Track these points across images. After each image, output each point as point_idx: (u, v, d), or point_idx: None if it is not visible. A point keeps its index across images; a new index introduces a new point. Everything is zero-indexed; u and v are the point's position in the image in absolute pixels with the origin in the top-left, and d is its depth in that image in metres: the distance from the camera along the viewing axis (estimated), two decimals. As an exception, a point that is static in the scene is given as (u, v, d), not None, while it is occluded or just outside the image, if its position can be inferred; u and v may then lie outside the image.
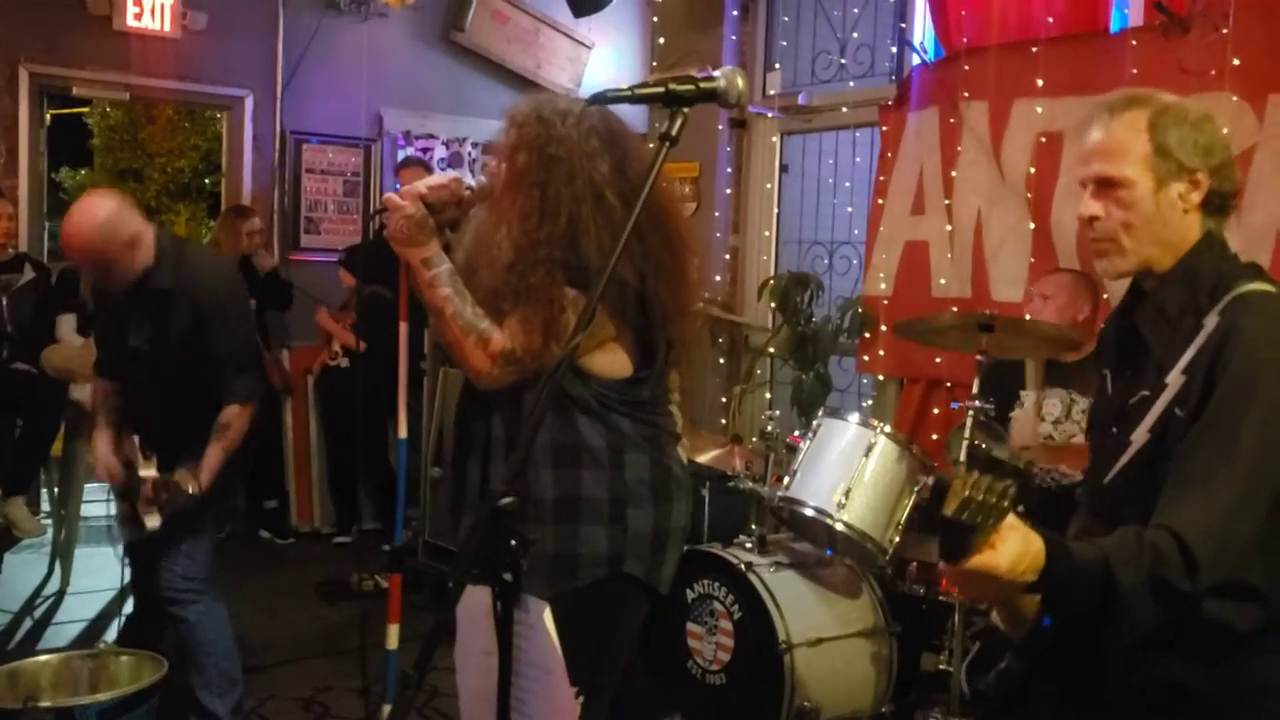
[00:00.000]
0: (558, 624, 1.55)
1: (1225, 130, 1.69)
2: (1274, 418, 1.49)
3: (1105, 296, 3.47)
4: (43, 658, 2.92)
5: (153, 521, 2.95)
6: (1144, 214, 1.63)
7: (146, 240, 2.93)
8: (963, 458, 2.92)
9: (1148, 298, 1.68)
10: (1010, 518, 1.38)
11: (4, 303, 4.84)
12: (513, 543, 1.46)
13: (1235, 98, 3.51)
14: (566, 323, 1.98)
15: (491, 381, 2.03)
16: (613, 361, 2.06)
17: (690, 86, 1.56)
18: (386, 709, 2.29)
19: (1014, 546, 1.38)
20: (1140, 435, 1.59)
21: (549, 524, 2.02)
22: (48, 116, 5.98)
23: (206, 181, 14.18)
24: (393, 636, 2.16)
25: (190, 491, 2.93)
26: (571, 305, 1.99)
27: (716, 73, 1.57)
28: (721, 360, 5.59)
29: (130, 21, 5.57)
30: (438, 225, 2.07)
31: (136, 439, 3.06)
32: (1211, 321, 1.56)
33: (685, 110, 1.56)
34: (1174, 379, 1.55)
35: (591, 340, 2.01)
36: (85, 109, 13.38)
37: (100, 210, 2.87)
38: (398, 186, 5.78)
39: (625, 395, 2.08)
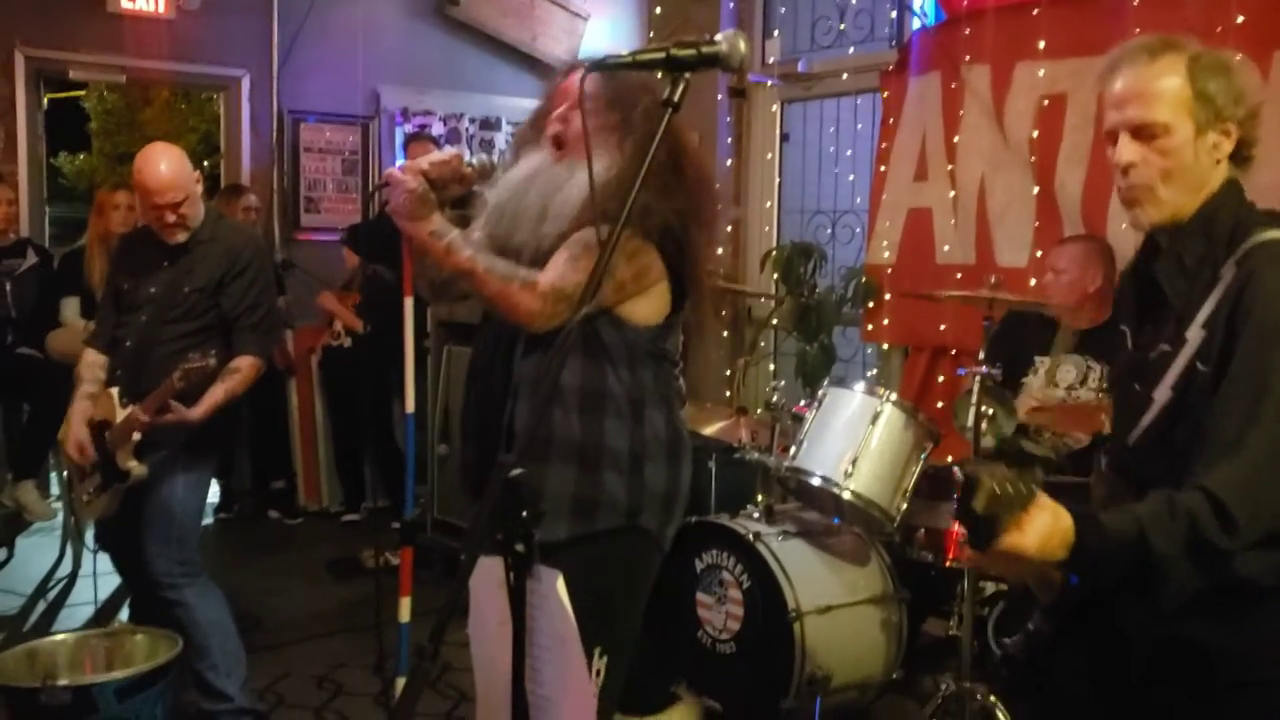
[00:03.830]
0: (583, 577, 1.55)
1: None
2: None
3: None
4: (59, 636, 2.94)
5: (138, 470, 2.93)
6: (1182, 162, 1.58)
7: (199, 194, 3.12)
8: (990, 444, 2.89)
9: (1165, 248, 1.64)
10: (1040, 497, 1.38)
11: (7, 288, 4.84)
12: (524, 514, 1.46)
13: (1240, 55, 3.47)
14: (615, 265, 1.92)
15: (545, 321, 1.97)
16: (650, 308, 2.06)
17: (692, 51, 1.53)
18: (400, 682, 2.30)
19: (1042, 526, 1.38)
20: (1163, 393, 1.56)
21: (573, 465, 2.02)
22: (44, 100, 5.96)
23: (205, 163, 14.15)
24: (405, 610, 2.17)
25: (191, 417, 2.91)
26: (626, 247, 1.95)
27: (718, 36, 1.55)
28: (725, 333, 5.58)
29: (124, 3, 5.55)
30: (439, 203, 2.06)
31: (115, 391, 3.01)
32: (1228, 272, 1.53)
33: (687, 75, 1.54)
34: (1194, 333, 1.53)
35: (641, 285, 2.01)
36: (82, 92, 13.33)
37: (175, 150, 3.13)
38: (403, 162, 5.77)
39: (653, 345, 2.08)
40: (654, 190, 1.90)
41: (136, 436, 2.90)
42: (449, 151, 2.13)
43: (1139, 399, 1.62)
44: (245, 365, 3.04)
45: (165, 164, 3.00)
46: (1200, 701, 1.57)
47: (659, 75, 2.00)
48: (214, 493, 5.67)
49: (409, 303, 2.18)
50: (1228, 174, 1.62)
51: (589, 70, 1.77)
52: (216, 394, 2.97)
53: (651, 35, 5.96)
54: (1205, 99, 1.57)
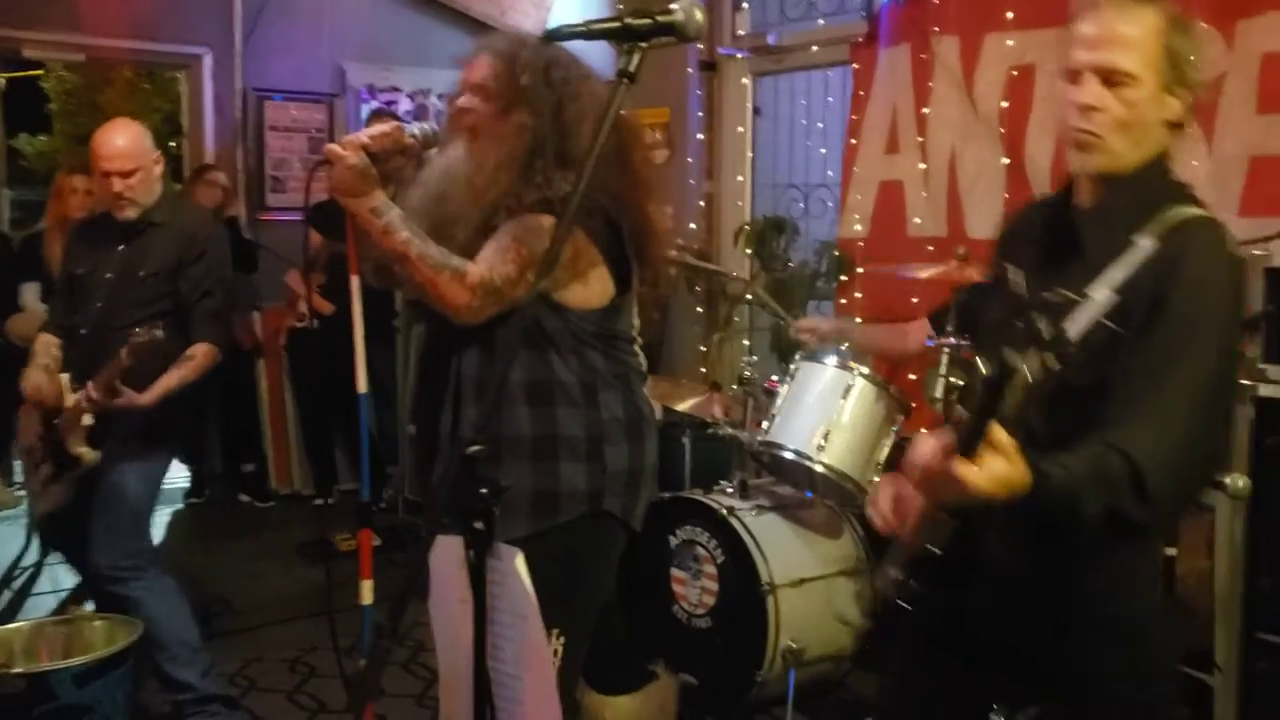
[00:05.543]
0: (540, 562, 1.54)
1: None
2: (1225, 347, 1.51)
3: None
4: (14, 625, 2.90)
5: (89, 456, 2.89)
6: (1140, 116, 1.57)
7: (158, 174, 3.11)
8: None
9: (1092, 198, 1.64)
10: (1005, 440, 1.34)
11: (-35, 272, 4.75)
12: (483, 490, 1.44)
13: (1204, 24, 3.47)
14: (537, 254, 1.95)
15: (473, 315, 1.98)
16: (589, 293, 2.04)
17: (647, 20, 1.52)
18: (364, 664, 2.28)
19: (997, 469, 1.35)
20: None
21: (527, 461, 2.01)
22: (1, 81, 5.85)
23: (172, 144, 13.93)
24: (367, 592, 2.14)
25: (141, 402, 2.87)
26: (550, 234, 1.95)
27: (673, 5, 1.52)
28: (699, 308, 5.56)
29: (81, -21, 5.44)
30: (380, 175, 2.03)
31: (65, 377, 2.97)
32: (1146, 243, 1.52)
33: (644, 45, 1.51)
34: (1103, 294, 1.51)
35: (573, 270, 1.99)
36: (40, 72, 13.08)
37: (138, 125, 3.15)
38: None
39: (601, 327, 2.07)
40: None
41: (87, 420, 2.86)
42: (390, 124, 2.11)
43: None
44: (200, 352, 3.01)
45: (122, 133, 3.03)
46: (1050, 640, 1.58)
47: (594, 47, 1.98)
48: (185, 477, 5.62)
49: (356, 281, 2.15)
50: (1167, 139, 1.62)
51: (545, 39, 1.74)
52: (170, 380, 2.93)
53: (620, 8, 5.90)
54: (1174, 59, 1.56)
